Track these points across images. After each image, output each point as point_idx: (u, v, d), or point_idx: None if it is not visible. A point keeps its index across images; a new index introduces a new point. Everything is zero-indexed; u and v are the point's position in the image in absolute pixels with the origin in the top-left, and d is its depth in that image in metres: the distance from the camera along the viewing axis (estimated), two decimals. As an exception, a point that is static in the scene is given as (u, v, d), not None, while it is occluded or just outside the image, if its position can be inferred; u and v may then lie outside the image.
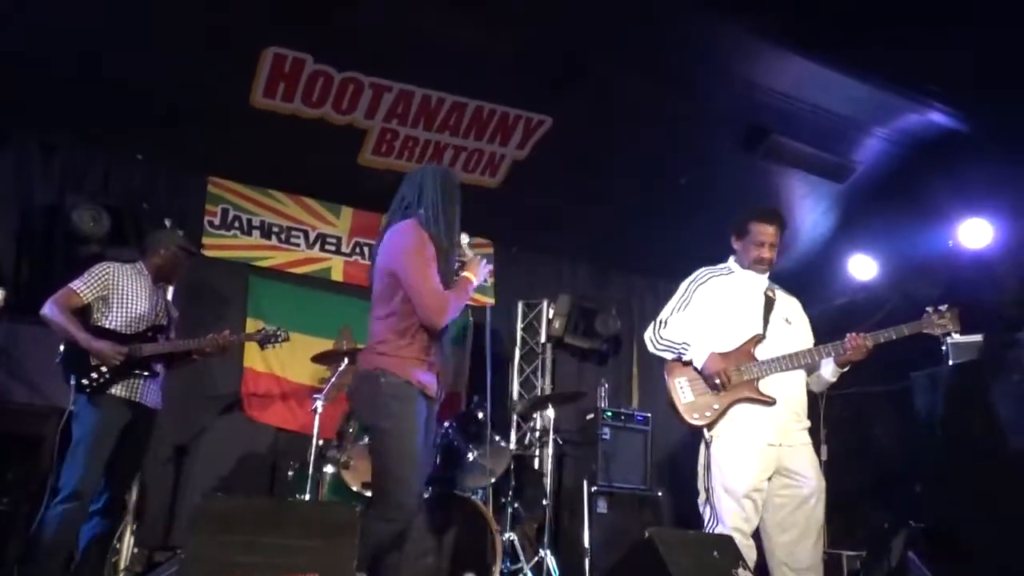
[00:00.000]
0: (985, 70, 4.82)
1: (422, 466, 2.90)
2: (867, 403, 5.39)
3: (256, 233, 5.76)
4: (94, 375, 3.69)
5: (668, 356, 3.40)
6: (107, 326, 3.82)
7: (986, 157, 5.02)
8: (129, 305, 3.89)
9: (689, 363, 3.32)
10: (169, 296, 4.31)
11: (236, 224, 5.71)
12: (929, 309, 3.19)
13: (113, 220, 4.94)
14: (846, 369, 3.28)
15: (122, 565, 4.31)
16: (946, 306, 3.17)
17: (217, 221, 5.64)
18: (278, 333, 4.21)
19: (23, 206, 5.05)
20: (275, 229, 5.84)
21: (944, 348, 4.45)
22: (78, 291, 3.81)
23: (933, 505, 4.12)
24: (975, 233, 5.21)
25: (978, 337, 4.26)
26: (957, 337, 4.28)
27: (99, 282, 3.88)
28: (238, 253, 5.67)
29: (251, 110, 5.16)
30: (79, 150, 5.27)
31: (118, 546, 4.24)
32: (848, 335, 3.20)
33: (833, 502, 3.29)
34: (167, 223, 5.05)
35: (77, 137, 5.21)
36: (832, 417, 3.35)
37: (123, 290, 3.91)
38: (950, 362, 4.37)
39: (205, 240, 5.53)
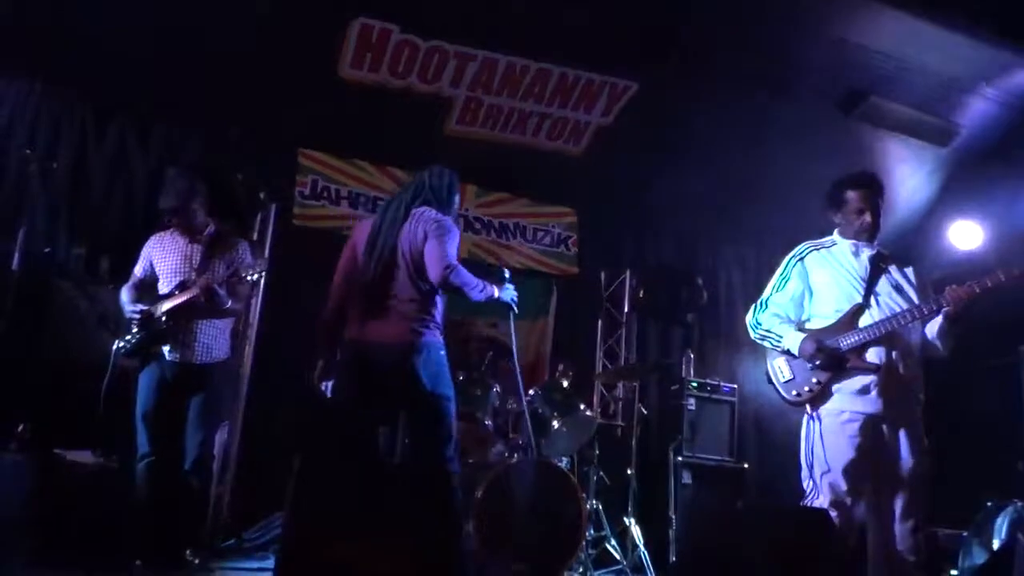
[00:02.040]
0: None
1: None
2: (972, 376, 5.16)
3: (344, 203, 5.88)
4: (128, 337, 3.87)
5: (767, 346, 3.33)
6: (159, 291, 4.00)
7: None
8: (161, 266, 4.04)
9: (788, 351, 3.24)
10: (241, 253, 4.18)
11: (325, 195, 5.84)
12: None
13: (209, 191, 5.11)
14: (958, 328, 3.11)
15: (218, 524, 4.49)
16: None
17: (307, 192, 5.78)
18: (256, 262, 4.05)
19: (125, 179, 5.29)
20: (362, 199, 5.94)
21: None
22: (134, 269, 4.08)
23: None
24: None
25: (1095, 309, 4.01)
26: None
27: (144, 253, 4.10)
28: (328, 223, 5.80)
29: (339, 81, 5.25)
30: (176, 124, 5.47)
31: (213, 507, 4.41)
32: (948, 287, 3.05)
33: (933, 478, 3.17)
34: (261, 195, 5.24)
35: (174, 112, 5.40)
36: (935, 390, 3.21)
37: (159, 254, 4.07)
38: (1062, 334, 4.14)
39: (296, 211, 5.69)
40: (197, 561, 3.86)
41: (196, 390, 3.93)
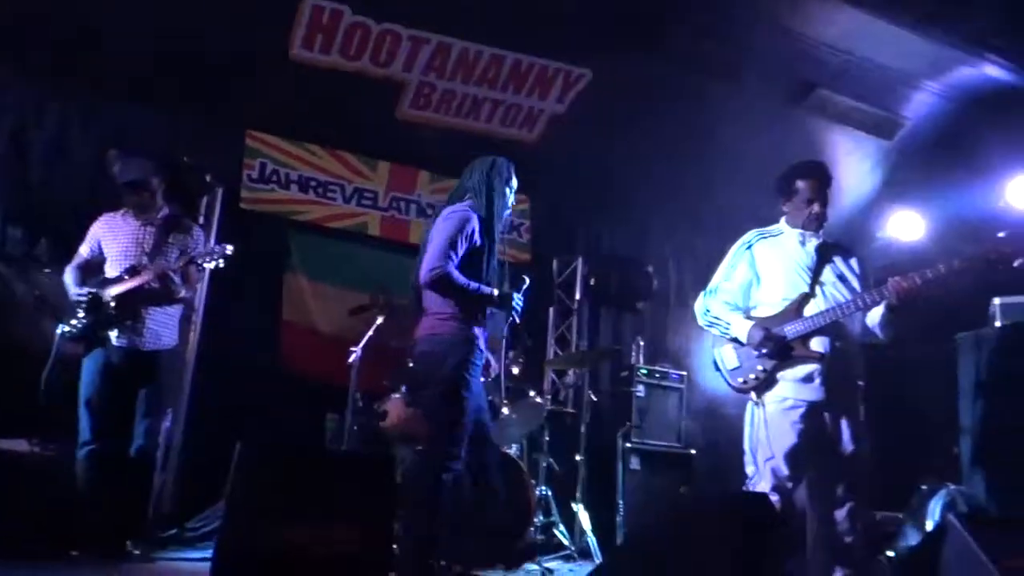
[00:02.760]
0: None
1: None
2: (910, 364, 5.30)
3: (294, 187, 5.78)
4: (73, 321, 3.76)
5: (715, 333, 3.37)
6: (106, 274, 3.90)
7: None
8: (111, 248, 3.94)
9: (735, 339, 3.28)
10: (196, 239, 4.12)
11: (274, 178, 5.73)
12: (989, 240, 3.02)
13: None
14: (899, 318, 3.17)
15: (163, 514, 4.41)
16: (1003, 233, 3.00)
17: (255, 175, 5.67)
18: (214, 249, 3.91)
19: (66, 159, 5.13)
20: (312, 183, 5.85)
21: (992, 309, 4.34)
22: (80, 249, 3.96)
23: (973, 468, 4.06)
24: (1028, 191, 5.04)
25: (1027, 298, 4.15)
26: (1006, 298, 4.18)
27: (92, 232, 3.98)
28: (276, 207, 5.71)
29: (289, 63, 5.15)
30: (118, 105, 5.31)
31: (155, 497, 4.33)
32: (891, 279, 3.11)
33: (872, 462, 3.25)
34: (207, 178, 5.12)
35: (116, 92, 5.24)
36: (874, 377, 3.30)
37: (109, 235, 3.97)
38: (997, 323, 4.27)
39: (243, 194, 5.57)
40: (138, 552, 3.78)
41: (143, 377, 3.85)
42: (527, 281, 3.52)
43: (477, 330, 3.30)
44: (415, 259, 5.72)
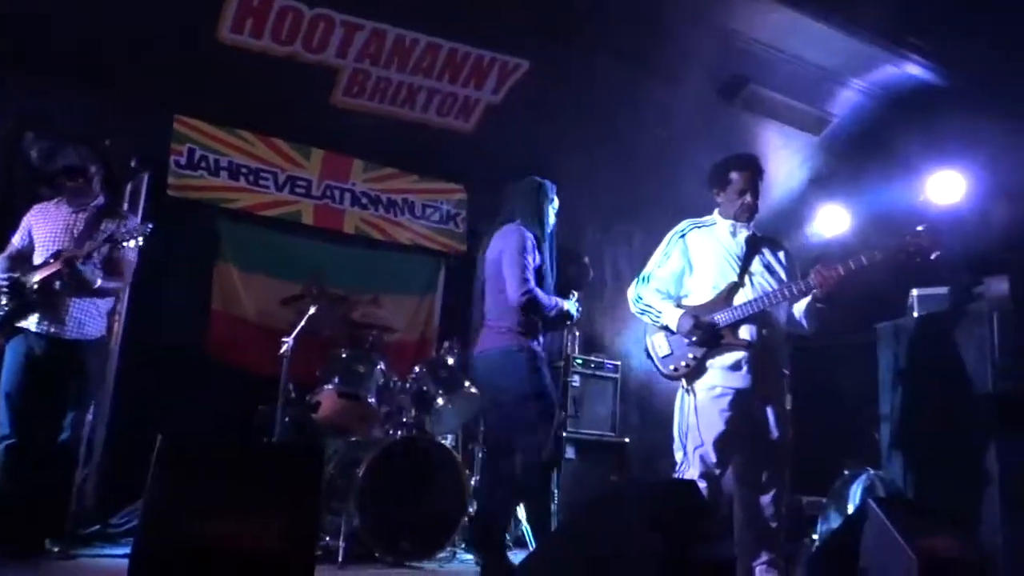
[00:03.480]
0: (963, 23, 4.80)
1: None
2: (833, 353, 5.48)
3: (224, 174, 5.63)
4: None
5: (647, 321, 3.42)
6: (33, 262, 3.77)
7: (960, 111, 5.03)
8: (39, 234, 3.84)
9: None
10: (128, 221, 4.02)
11: (203, 164, 5.57)
12: (907, 232, 3.13)
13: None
14: (824, 307, 3.26)
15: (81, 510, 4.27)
16: (924, 226, 3.12)
17: (184, 161, 5.50)
18: (135, 228, 3.80)
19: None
20: (243, 170, 5.71)
21: (910, 300, 4.50)
22: (12, 239, 3.85)
23: (891, 453, 4.22)
24: (946, 187, 5.24)
25: (943, 290, 4.31)
26: (923, 289, 4.35)
27: (24, 222, 3.88)
28: (206, 194, 5.55)
29: (219, 47, 5.00)
30: (40, 85, 5.08)
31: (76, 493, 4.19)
32: (814, 269, 3.20)
33: (796, 449, 3.35)
34: (132, 163, 4.95)
35: (38, 71, 5.02)
36: (799, 366, 3.40)
37: (40, 223, 3.86)
38: (915, 314, 4.43)
39: (171, 180, 5.40)
40: (57, 549, 3.65)
41: (67, 369, 3.72)
42: (576, 294, 3.89)
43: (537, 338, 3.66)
44: (349, 249, 5.69)
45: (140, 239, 3.78)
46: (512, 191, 3.92)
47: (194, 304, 5.37)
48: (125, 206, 4.83)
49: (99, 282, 3.76)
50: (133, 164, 4.93)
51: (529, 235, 3.65)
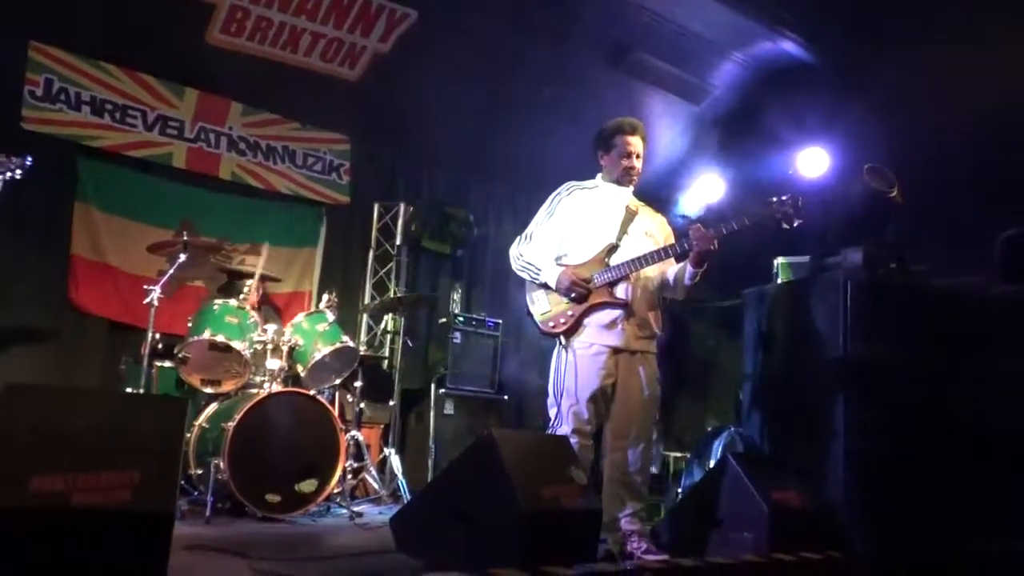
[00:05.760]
0: (830, 5, 5.03)
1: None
2: (702, 318, 5.72)
3: (86, 109, 5.25)
4: None
5: (526, 277, 3.45)
6: None
7: (825, 89, 5.29)
8: None
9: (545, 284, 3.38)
10: None
11: (62, 97, 5.17)
12: (773, 199, 3.31)
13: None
14: (702, 269, 3.38)
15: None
16: (788, 196, 3.30)
17: (40, 92, 5.09)
18: (9, 161, 3.52)
19: None
20: (108, 106, 5.34)
21: (775, 268, 4.73)
22: None
23: (751, 412, 4.45)
24: (812, 161, 5.52)
25: (805, 259, 4.55)
26: (787, 258, 4.58)
27: None
28: (64, 130, 5.16)
29: (81, -31, 4.63)
30: None
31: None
32: (691, 227, 3.32)
33: (665, 409, 3.49)
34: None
35: None
36: (670, 327, 3.53)
37: None
38: (779, 280, 4.67)
39: (25, 112, 5.00)
40: None
41: None
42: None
43: None
44: (224, 196, 5.45)
45: (18, 172, 3.47)
46: None
47: (52, 248, 5.02)
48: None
49: None
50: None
51: None
